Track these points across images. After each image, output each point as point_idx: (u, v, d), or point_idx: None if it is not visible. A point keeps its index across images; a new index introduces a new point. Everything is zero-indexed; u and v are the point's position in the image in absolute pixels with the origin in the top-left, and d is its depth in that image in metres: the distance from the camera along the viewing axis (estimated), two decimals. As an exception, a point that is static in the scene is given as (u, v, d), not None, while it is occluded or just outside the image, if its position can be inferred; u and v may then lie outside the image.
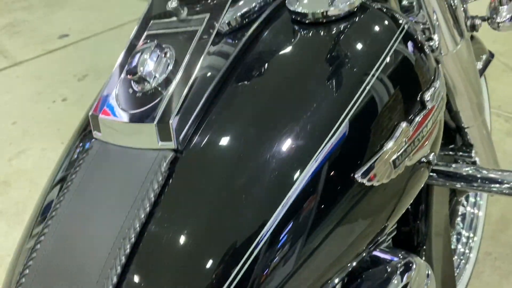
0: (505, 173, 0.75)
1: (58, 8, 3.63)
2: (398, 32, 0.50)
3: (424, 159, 0.53)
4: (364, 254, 0.56)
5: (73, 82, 2.67)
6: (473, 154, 1.01)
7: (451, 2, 0.71)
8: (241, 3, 0.53)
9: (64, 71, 2.78)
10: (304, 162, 0.41)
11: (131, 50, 0.52)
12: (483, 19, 0.77)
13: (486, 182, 0.74)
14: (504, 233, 1.55)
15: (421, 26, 0.72)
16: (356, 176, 0.43)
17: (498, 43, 2.66)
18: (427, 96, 0.49)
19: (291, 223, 0.40)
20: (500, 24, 0.76)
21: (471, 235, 1.40)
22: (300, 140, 0.42)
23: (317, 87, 0.44)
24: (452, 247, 1.39)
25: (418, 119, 0.47)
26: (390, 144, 0.44)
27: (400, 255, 0.57)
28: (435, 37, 0.72)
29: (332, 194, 0.43)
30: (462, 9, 0.72)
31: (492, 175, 0.74)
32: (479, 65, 1.17)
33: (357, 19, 0.49)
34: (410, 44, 0.51)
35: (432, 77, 0.51)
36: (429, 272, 0.57)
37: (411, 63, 0.50)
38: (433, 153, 0.56)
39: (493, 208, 1.64)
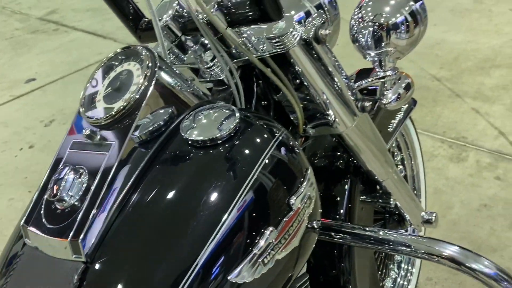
0: (400, 235, 0.85)
1: (25, 51, 3.70)
2: (271, 143, 0.60)
3: (309, 226, 0.63)
4: None
5: (40, 128, 2.74)
6: (391, 201, 1.13)
7: (342, 95, 0.82)
8: (146, 120, 0.63)
9: (31, 116, 2.85)
10: (186, 269, 0.51)
11: (54, 169, 0.62)
12: (374, 100, 0.89)
13: (373, 241, 0.84)
14: (444, 258, 1.67)
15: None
16: (229, 278, 0.53)
17: (445, 69, 2.83)
18: (293, 200, 0.59)
19: None
20: (387, 105, 0.89)
21: (409, 267, 1.52)
22: (181, 252, 0.52)
23: (199, 203, 0.54)
24: (392, 279, 1.50)
25: (284, 221, 0.58)
26: (257, 248, 0.55)
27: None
28: (332, 117, 0.84)
29: None
30: (350, 94, 0.84)
31: (382, 236, 0.84)
32: (400, 115, 1.30)
33: (238, 138, 0.59)
34: (282, 152, 0.61)
35: (301, 180, 0.62)
36: None
37: (281, 171, 0.60)
38: (315, 221, 0.67)
39: (434, 234, 1.76)
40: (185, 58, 0.82)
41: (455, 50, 2.99)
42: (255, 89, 0.83)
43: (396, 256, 1.54)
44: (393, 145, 1.51)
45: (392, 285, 1.48)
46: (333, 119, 0.85)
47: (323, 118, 0.86)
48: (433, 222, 1.29)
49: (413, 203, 1.24)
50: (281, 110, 0.89)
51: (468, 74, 2.73)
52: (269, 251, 0.56)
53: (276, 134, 0.63)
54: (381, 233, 0.85)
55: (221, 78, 0.77)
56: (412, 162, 1.53)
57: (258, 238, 0.55)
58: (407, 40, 0.82)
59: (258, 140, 0.61)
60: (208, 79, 0.79)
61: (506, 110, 2.40)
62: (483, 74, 2.71)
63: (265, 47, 0.74)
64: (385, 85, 0.87)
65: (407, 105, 1.34)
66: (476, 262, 0.82)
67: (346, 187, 1.05)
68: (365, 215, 1.12)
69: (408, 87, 0.89)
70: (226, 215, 0.54)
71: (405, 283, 1.49)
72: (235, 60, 0.76)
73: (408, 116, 1.36)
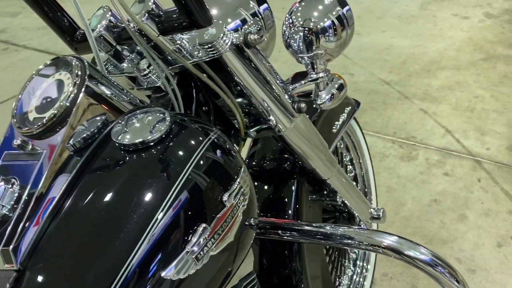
0: (341, 228, 0.89)
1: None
2: (203, 144, 0.62)
3: (246, 224, 0.65)
4: None
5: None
6: (338, 199, 1.17)
7: (279, 98, 0.86)
8: (81, 128, 0.64)
9: (-19, 138, 2.77)
10: (117, 269, 0.52)
11: None
12: (309, 101, 0.93)
13: (312, 235, 0.88)
14: (398, 254, 1.73)
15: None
16: (163, 275, 0.54)
17: (394, 73, 2.94)
18: (226, 196, 0.61)
19: None
20: (321, 105, 0.93)
21: (365, 264, 1.56)
22: (113, 253, 0.53)
23: (130, 205, 0.55)
24: (349, 276, 1.53)
25: (217, 217, 0.59)
26: (190, 245, 0.56)
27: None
28: (271, 120, 0.87)
29: None
30: (286, 97, 0.87)
31: (317, 229, 0.87)
32: (344, 116, 1.35)
33: (170, 139, 0.61)
34: (215, 152, 0.63)
35: (234, 178, 0.64)
36: None
37: (214, 170, 0.62)
38: (253, 218, 0.69)
39: (389, 230, 1.82)
40: (124, 67, 0.83)
41: (403, 55, 3.11)
42: (195, 95, 0.85)
43: (351, 253, 1.58)
44: (341, 146, 1.56)
45: (349, 283, 1.52)
46: (272, 121, 0.88)
47: (263, 121, 0.89)
48: (381, 217, 1.34)
49: (360, 200, 1.28)
50: (223, 115, 0.91)
51: (415, 77, 2.85)
52: (202, 247, 0.57)
53: (208, 134, 0.65)
54: (326, 227, 0.88)
55: (157, 84, 0.79)
56: (361, 161, 1.58)
57: (191, 235, 0.56)
58: (335, 43, 0.86)
59: (190, 140, 0.62)
60: (145, 87, 0.80)
61: (452, 109, 2.52)
62: (429, 76, 2.83)
63: (200, 53, 0.76)
64: (319, 86, 0.91)
65: (350, 107, 1.39)
66: (413, 250, 0.86)
67: (293, 187, 1.08)
68: (314, 213, 1.15)
69: (341, 87, 0.94)
70: (157, 215, 0.55)
71: (361, 279, 1.53)
72: (171, 67, 0.78)
73: (353, 117, 1.41)
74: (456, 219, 1.85)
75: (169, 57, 0.78)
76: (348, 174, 1.61)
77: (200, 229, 0.57)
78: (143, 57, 0.79)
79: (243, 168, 0.66)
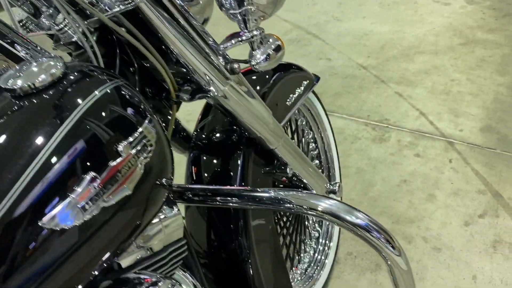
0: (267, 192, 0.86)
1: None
2: (99, 90, 0.59)
3: (154, 181, 0.62)
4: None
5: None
6: (288, 171, 1.14)
7: (209, 58, 0.83)
8: None
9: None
10: None
11: None
12: (245, 62, 0.90)
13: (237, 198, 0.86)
14: (364, 233, 1.71)
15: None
16: (41, 222, 0.51)
17: (371, 58, 2.91)
18: (122, 146, 0.58)
19: None
20: (256, 66, 0.90)
21: (327, 242, 1.54)
22: None
23: (11, 148, 0.52)
24: (310, 254, 1.51)
25: (110, 166, 0.56)
26: (76, 193, 0.53)
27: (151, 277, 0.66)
28: (203, 82, 0.84)
29: (28, 241, 0.51)
30: (218, 57, 0.84)
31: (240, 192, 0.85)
32: (300, 90, 1.32)
33: (61, 84, 0.58)
34: (113, 99, 0.60)
35: (135, 128, 0.61)
36: None
37: (111, 117, 0.58)
38: (165, 179, 0.66)
39: (356, 211, 1.80)
40: (45, 25, 0.80)
41: (382, 40, 3.08)
42: (118, 54, 0.82)
43: (313, 231, 1.55)
44: (303, 123, 1.53)
45: (310, 260, 1.50)
46: (204, 83, 0.85)
47: (195, 82, 0.86)
48: (337, 192, 1.32)
49: (315, 173, 1.25)
50: (154, 77, 0.88)
51: (393, 61, 2.82)
52: (90, 197, 0.54)
53: (108, 81, 0.62)
54: (262, 191, 0.86)
55: (74, 39, 0.76)
56: (322, 135, 1.56)
57: (76, 183, 0.53)
58: None
59: (84, 85, 0.59)
60: (62, 43, 0.77)
61: (427, 92, 2.49)
62: (407, 61, 2.81)
63: (117, 6, 0.73)
64: (253, 46, 0.88)
65: (308, 81, 1.36)
66: (349, 214, 0.84)
67: (239, 159, 1.05)
68: (263, 186, 1.12)
69: (278, 48, 0.91)
70: (37, 159, 0.52)
71: (323, 257, 1.50)
72: (87, 21, 0.75)
73: (310, 91, 1.39)
74: (425, 199, 1.83)
75: (86, 11, 0.75)
76: (311, 152, 1.59)
77: (88, 177, 0.54)
78: (60, 12, 0.76)
79: (148, 121, 0.63)
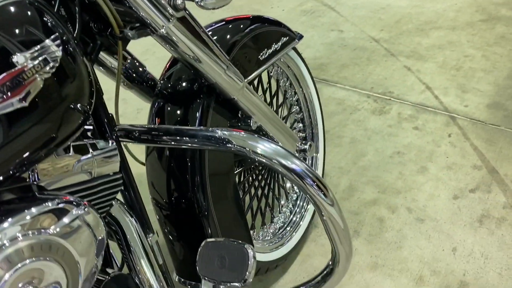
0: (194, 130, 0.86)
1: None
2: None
3: (70, 106, 0.63)
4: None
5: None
6: (251, 123, 1.14)
7: None
8: None
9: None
10: None
11: None
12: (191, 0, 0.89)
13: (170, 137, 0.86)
14: (348, 200, 1.69)
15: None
16: None
17: (385, 31, 2.83)
18: (17, 57, 0.59)
19: None
20: (202, 3, 0.89)
21: (305, 205, 1.53)
22: None
23: None
24: (286, 215, 1.51)
25: (1, 75, 0.57)
26: None
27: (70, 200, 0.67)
28: (147, 20, 0.84)
29: None
30: None
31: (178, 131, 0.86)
32: (278, 45, 1.30)
33: None
34: (14, 11, 0.61)
35: (37, 42, 0.61)
36: (99, 223, 0.68)
37: (9, 27, 0.60)
38: (80, 104, 0.66)
39: (342, 178, 1.78)
40: None
41: (399, 14, 2.98)
42: None
43: (292, 194, 1.55)
44: (286, 84, 1.52)
45: (284, 221, 1.49)
46: (147, 19, 0.85)
47: (139, 20, 0.86)
48: (308, 151, 1.30)
49: (284, 130, 1.24)
50: (98, 13, 0.87)
51: (406, 36, 2.73)
52: None
53: None
54: (198, 130, 0.86)
55: None
56: (306, 97, 1.53)
57: None
58: None
59: None
60: None
61: (437, 67, 2.41)
62: (421, 35, 2.72)
63: None
64: None
65: (287, 38, 1.34)
66: (287, 159, 0.83)
67: (199, 109, 1.05)
68: None
69: None
70: None
71: (298, 219, 1.50)
72: None
73: (290, 49, 1.36)
74: (416, 171, 1.79)
75: None
76: (296, 115, 1.57)
77: None
78: None
79: (54, 38, 0.63)
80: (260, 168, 1.39)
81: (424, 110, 2.11)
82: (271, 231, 1.44)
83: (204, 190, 1.04)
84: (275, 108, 1.46)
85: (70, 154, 0.74)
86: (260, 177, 1.39)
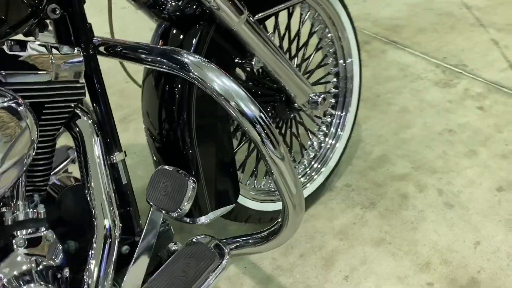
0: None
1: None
2: None
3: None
4: None
5: None
6: (253, 62, 1.07)
7: None
8: None
9: None
10: None
11: None
12: None
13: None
14: (374, 171, 1.56)
15: None
16: None
17: (482, -2, 2.51)
18: None
19: None
20: None
21: (320, 166, 1.44)
22: None
23: None
24: (298, 171, 1.43)
25: None
26: None
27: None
28: None
29: None
30: None
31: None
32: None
33: None
34: None
35: None
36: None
37: None
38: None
39: (377, 147, 1.64)
40: None
41: (506, -19, 2.61)
42: None
43: (310, 151, 1.46)
44: (324, 32, 1.41)
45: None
46: None
47: None
48: (319, 105, 1.21)
49: (293, 75, 1.16)
50: None
51: (507, 6, 2.39)
52: None
53: None
54: (151, 49, 0.84)
55: None
56: (343, 44, 1.41)
57: None
58: None
59: None
60: None
61: (532, 45, 2.09)
62: (525, 8, 2.36)
63: None
64: None
65: None
66: (241, 100, 0.77)
67: (195, 37, 1.01)
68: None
69: None
70: None
71: (315, 175, 1.42)
72: None
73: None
74: (463, 154, 1.60)
75: None
76: (331, 69, 1.47)
77: None
78: None
79: None
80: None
81: (497, 90, 1.85)
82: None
83: (190, 128, 1.02)
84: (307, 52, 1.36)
85: (26, 51, 0.75)
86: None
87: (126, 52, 0.87)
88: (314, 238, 1.35)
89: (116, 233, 0.82)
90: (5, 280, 0.75)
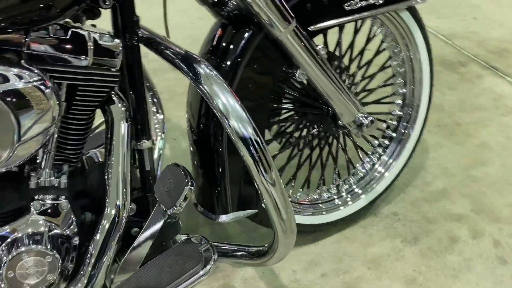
0: None
1: None
2: None
3: None
4: None
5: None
6: (297, 74, 1.05)
7: None
8: None
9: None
10: None
11: None
12: None
13: None
14: (429, 204, 1.43)
15: None
16: None
17: None
18: None
19: None
20: None
21: (361, 192, 1.38)
22: None
23: None
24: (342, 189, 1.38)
25: None
26: None
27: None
28: None
29: None
30: None
31: None
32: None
33: None
34: None
35: None
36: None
37: None
38: None
39: (440, 179, 1.51)
40: None
41: None
42: None
43: (358, 172, 1.40)
44: (395, 50, 1.33)
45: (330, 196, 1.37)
46: None
47: None
48: (366, 127, 1.16)
49: (342, 91, 1.12)
50: None
51: None
52: None
53: None
54: None
55: None
56: (414, 68, 1.32)
57: None
58: None
59: None
60: None
61: None
62: None
63: None
64: None
65: None
66: (237, 120, 0.78)
67: (244, 39, 1.02)
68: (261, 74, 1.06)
69: None
70: None
71: (350, 201, 1.37)
72: None
73: (402, 8, 1.18)
74: (539, 207, 1.41)
75: None
76: (398, 89, 1.38)
77: None
78: None
79: None
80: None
81: None
82: (316, 197, 1.35)
83: (222, 127, 1.03)
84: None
85: (68, 36, 0.81)
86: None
87: (162, 48, 0.91)
88: (341, 261, 1.30)
89: (124, 214, 0.87)
90: (18, 235, 0.84)
